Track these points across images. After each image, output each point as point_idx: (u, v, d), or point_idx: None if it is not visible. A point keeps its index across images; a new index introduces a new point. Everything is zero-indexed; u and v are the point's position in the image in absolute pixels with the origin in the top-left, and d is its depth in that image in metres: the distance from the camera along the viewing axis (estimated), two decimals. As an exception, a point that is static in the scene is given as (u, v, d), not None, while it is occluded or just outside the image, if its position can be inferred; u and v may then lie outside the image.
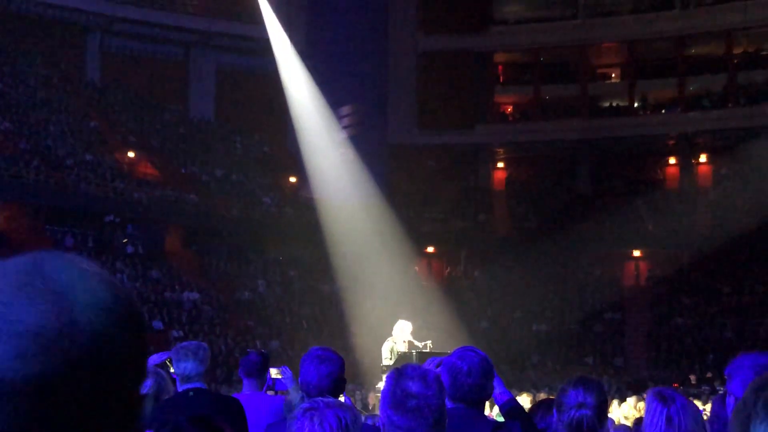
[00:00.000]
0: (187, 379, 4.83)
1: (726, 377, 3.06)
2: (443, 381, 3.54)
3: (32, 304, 0.89)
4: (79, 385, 0.89)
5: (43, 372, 0.87)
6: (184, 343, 5.08)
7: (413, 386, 2.64)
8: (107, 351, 0.91)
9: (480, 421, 3.67)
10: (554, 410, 3.53)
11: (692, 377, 28.99)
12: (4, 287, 0.90)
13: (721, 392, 3.65)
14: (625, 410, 12.16)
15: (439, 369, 3.58)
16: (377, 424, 3.39)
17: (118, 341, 0.93)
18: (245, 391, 5.96)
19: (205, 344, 5.04)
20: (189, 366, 4.84)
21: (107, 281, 0.96)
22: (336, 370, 3.77)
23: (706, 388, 24.27)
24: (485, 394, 3.73)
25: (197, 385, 4.81)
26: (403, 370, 2.72)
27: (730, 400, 2.96)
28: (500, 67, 46.83)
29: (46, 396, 0.87)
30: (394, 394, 2.65)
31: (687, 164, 43.28)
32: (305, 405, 2.61)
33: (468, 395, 3.61)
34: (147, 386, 4.43)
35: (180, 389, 4.88)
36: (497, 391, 4.04)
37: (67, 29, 40.72)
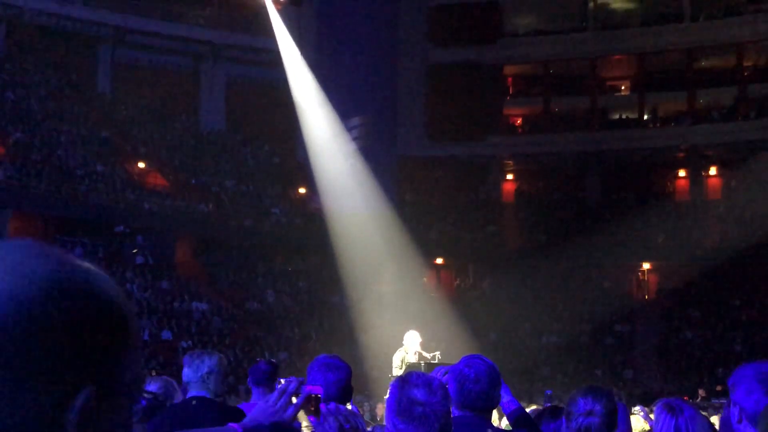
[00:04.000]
0: (188, 386, 4.87)
1: (729, 387, 3.06)
2: (450, 388, 3.56)
3: None
4: None
5: None
6: (192, 351, 5.13)
7: (418, 394, 2.65)
8: (29, 321, 0.92)
9: (487, 429, 3.69)
10: (563, 418, 3.55)
11: (701, 391, 28.85)
12: None
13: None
14: (633, 423, 12.10)
15: (446, 377, 3.60)
16: (384, 433, 3.40)
17: (45, 315, 0.93)
18: (254, 400, 5.97)
19: (208, 354, 5.05)
20: (185, 373, 4.88)
21: (63, 263, 0.97)
22: (343, 378, 3.78)
23: (716, 401, 24.16)
24: (492, 402, 3.74)
25: (199, 393, 4.83)
26: (408, 378, 2.74)
27: (735, 410, 2.96)
28: (510, 80, 46.86)
29: None
30: (400, 402, 2.66)
31: (697, 177, 43.20)
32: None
33: (475, 403, 3.63)
34: (155, 390, 4.44)
35: (187, 397, 4.91)
36: (505, 399, 4.05)
37: (79, 40, 40.93)
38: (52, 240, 32.70)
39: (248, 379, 6.11)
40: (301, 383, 2.46)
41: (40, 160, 34.23)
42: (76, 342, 0.94)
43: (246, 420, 2.41)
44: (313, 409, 2.45)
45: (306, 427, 2.58)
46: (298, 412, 2.43)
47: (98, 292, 0.98)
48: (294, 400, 2.46)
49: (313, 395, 2.45)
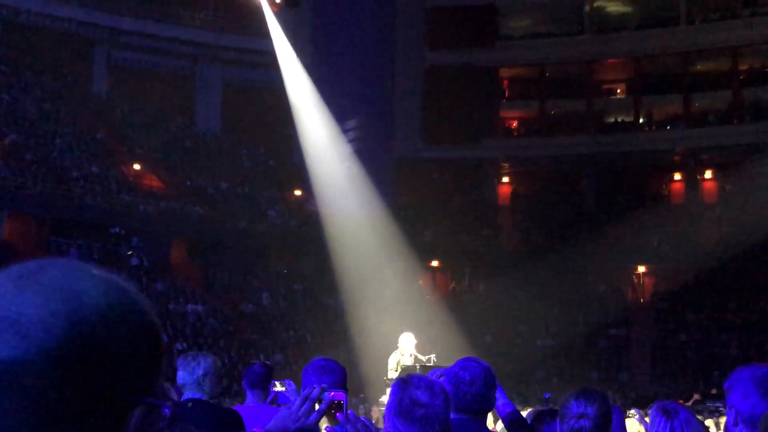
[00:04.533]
0: (183, 388, 4.86)
1: (725, 390, 3.06)
2: (445, 391, 3.55)
3: (20, 295, 0.93)
4: (52, 373, 0.91)
5: (14, 356, 0.90)
6: (186, 354, 5.11)
7: (421, 395, 2.65)
8: (88, 345, 0.93)
9: (482, 432, 3.68)
10: (557, 420, 3.54)
11: (696, 395, 28.85)
12: (5, 282, 0.95)
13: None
14: (628, 426, 12.08)
15: (441, 379, 3.59)
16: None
17: (102, 338, 0.94)
18: (248, 403, 5.96)
19: (203, 356, 5.03)
20: (180, 376, 4.87)
21: (108, 283, 0.99)
22: (338, 381, 3.76)
23: (711, 404, 24.18)
24: (488, 405, 3.73)
25: (195, 395, 4.81)
26: (410, 380, 2.73)
27: (731, 413, 2.96)
28: (506, 82, 46.90)
29: (15, 379, 0.90)
30: (401, 403, 2.65)
31: (692, 180, 43.25)
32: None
33: (471, 405, 3.62)
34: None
35: (182, 399, 4.90)
36: (500, 402, 4.04)
37: (74, 42, 40.88)
38: (47, 242, 32.67)
39: (243, 381, 6.09)
40: (324, 389, 2.46)
41: (35, 162, 34.18)
42: (129, 363, 0.96)
43: (270, 426, 2.42)
44: (334, 413, 2.45)
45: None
46: (321, 417, 2.43)
47: (143, 313, 1.00)
48: (317, 406, 2.46)
49: (335, 401, 2.45)
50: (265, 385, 5.92)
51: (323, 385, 2.60)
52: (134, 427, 0.96)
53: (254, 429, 2.51)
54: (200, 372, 4.83)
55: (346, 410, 2.45)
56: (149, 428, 1.00)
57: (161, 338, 1.02)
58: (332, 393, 2.45)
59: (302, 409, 2.40)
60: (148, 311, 1.01)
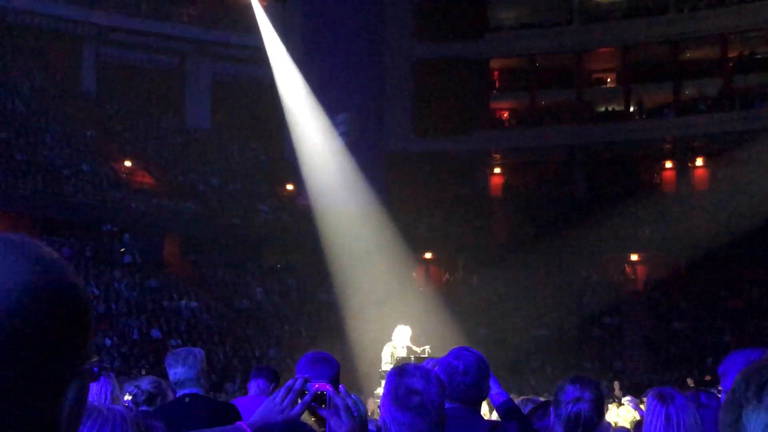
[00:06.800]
0: (179, 384, 4.85)
1: (720, 375, 3.07)
2: (439, 381, 3.55)
3: None
4: None
5: None
6: (176, 350, 5.12)
7: (416, 383, 2.65)
8: (19, 321, 0.93)
9: (477, 421, 3.68)
10: (551, 409, 3.55)
11: (690, 381, 28.95)
12: None
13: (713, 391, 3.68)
14: (623, 413, 12.13)
15: (435, 368, 3.59)
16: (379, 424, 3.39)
17: (30, 313, 0.94)
18: (251, 393, 6.04)
19: (196, 349, 5.05)
20: (178, 372, 4.85)
21: (32, 260, 0.98)
22: (329, 373, 3.75)
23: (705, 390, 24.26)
24: (482, 394, 3.74)
25: (192, 390, 4.82)
26: (405, 368, 2.74)
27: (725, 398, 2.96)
28: (496, 74, 46.90)
29: None
30: (397, 391, 2.65)
31: (683, 168, 43.32)
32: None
33: (464, 395, 3.62)
34: (146, 387, 4.41)
35: (177, 395, 4.90)
36: (494, 391, 4.05)
37: (63, 40, 40.73)
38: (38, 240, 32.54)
39: (252, 373, 6.23)
40: (306, 380, 2.42)
41: (25, 160, 34.08)
42: (63, 341, 0.96)
43: (253, 419, 2.38)
44: (324, 406, 2.41)
45: (314, 421, 2.56)
46: (305, 409, 2.40)
47: (75, 288, 1.00)
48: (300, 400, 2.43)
49: (320, 393, 2.41)
50: (268, 378, 6.01)
51: (306, 375, 2.56)
52: (72, 400, 0.97)
53: (238, 423, 2.45)
54: (198, 367, 4.86)
55: (329, 402, 2.41)
56: (83, 399, 1.00)
57: (90, 313, 1.02)
58: (317, 384, 2.42)
59: (285, 400, 2.37)
60: (81, 288, 1.01)
